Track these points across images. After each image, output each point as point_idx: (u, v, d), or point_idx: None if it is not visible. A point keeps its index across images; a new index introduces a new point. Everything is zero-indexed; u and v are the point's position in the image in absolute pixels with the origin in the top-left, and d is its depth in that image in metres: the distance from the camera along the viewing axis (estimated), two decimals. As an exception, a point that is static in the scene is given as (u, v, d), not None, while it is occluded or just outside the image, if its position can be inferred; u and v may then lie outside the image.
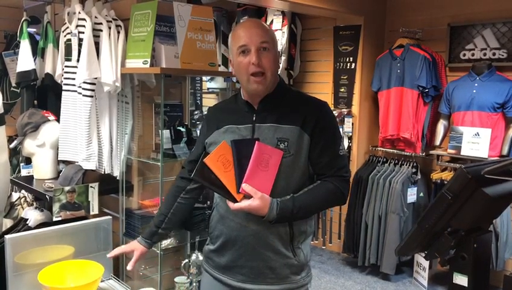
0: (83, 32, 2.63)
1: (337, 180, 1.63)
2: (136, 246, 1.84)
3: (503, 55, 3.78)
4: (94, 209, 2.62)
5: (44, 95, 3.20)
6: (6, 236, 1.93)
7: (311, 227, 1.73)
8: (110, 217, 2.27)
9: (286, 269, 1.66)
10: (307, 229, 1.70)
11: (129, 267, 1.81)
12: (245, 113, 1.67)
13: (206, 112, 1.90)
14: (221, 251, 1.70)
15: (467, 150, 3.65)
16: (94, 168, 2.74)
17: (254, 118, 1.65)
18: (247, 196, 1.53)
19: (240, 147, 1.56)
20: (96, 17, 2.66)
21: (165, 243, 2.61)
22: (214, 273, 1.75)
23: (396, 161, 4.12)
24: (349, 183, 1.70)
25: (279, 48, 4.49)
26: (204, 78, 4.95)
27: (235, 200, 1.54)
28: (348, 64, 4.44)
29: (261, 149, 1.56)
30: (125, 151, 2.79)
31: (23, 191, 3.19)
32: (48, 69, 3.07)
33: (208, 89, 5.27)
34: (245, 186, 1.52)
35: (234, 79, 3.54)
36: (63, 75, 2.81)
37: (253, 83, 1.60)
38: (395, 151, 4.22)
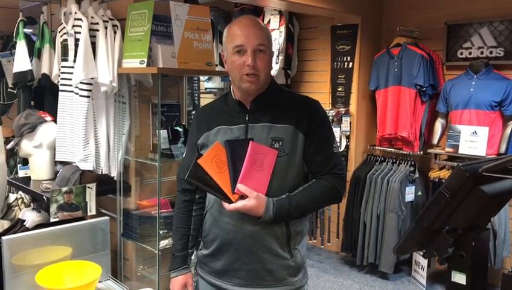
0: (80, 33, 2.62)
1: (332, 178, 1.63)
2: (184, 281, 1.77)
3: (500, 54, 3.78)
4: (91, 210, 2.61)
5: (41, 95, 3.19)
6: (4, 237, 1.93)
7: (306, 227, 1.73)
8: (108, 217, 2.27)
9: (283, 271, 1.64)
10: (303, 230, 1.69)
11: None
12: (237, 113, 1.64)
13: (194, 114, 1.85)
14: (217, 255, 1.66)
15: (464, 149, 3.65)
16: (91, 169, 2.73)
17: (247, 118, 1.62)
18: (243, 196, 1.52)
19: (234, 148, 1.54)
20: (92, 17, 2.66)
21: (164, 243, 2.61)
22: (209, 278, 1.71)
23: (394, 160, 4.12)
24: (344, 180, 1.69)
25: (277, 47, 4.49)
26: (201, 78, 4.94)
27: (230, 201, 1.52)
28: (346, 63, 4.44)
29: (255, 149, 1.54)
30: (123, 152, 2.78)
31: (20, 192, 3.19)
32: (45, 69, 3.06)
33: (206, 88, 5.26)
34: (240, 186, 1.51)
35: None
36: (59, 76, 2.81)
37: (246, 82, 1.57)
38: (393, 150, 4.21)
